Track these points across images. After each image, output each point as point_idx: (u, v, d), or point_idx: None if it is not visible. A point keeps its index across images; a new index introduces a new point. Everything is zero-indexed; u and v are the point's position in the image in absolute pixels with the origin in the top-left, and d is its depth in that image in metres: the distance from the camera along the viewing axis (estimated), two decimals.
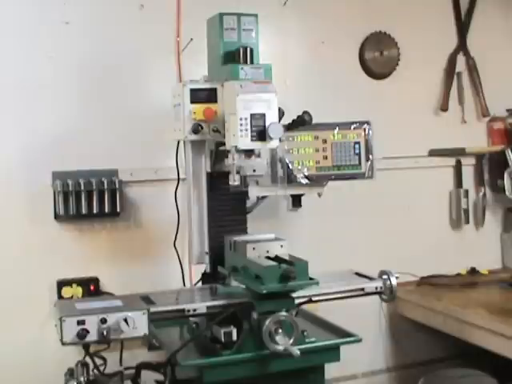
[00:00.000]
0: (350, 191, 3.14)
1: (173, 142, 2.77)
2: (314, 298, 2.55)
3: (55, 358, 2.71)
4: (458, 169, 3.81)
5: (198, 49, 2.85)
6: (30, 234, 2.93)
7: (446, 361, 3.57)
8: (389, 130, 3.30)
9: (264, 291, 2.25)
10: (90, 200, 2.91)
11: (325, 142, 2.72)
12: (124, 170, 3.04)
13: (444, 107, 3.75)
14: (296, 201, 2.75)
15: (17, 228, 2.91)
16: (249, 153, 2.38)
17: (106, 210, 2.94)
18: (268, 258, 2.43)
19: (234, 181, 2.40)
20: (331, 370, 2.58)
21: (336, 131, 2.73)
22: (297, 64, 3.39)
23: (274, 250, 2.46)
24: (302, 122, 2.53)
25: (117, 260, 3.06)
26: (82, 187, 2.90)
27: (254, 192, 2.68)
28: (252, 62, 2.46)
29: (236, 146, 2.32)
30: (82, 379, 2.28)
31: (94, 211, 2.92)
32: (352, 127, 2.75)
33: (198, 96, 2.47)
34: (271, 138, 2.31)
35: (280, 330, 2.28)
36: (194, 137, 2.49)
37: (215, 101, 2.47)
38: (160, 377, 2.42)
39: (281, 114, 2.44)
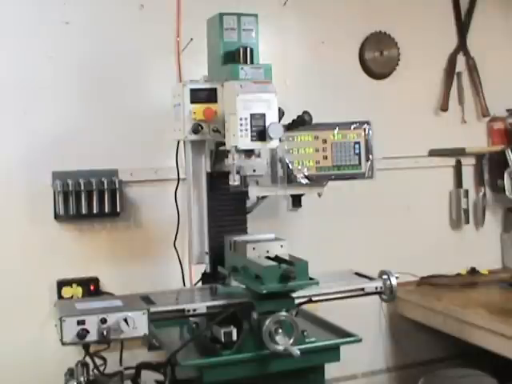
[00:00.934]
0: (349, 191, 3.14)
1: (173, 142, 2.77)
2: (314, 298, 2.55)
3: (55, 358, 2.71)
4: (457, 169, 3.81)
5: (198, 49, 2.85)
6: (29, 233, 2.93)
7: (446, 361, 3.57)
8: (389, 129, 3.30)
9: (264, 291, 2.25)
10: (90, 200, 2.91)
11: (325, 142, 2.72)
12: (124, 169, 3.04)
13: (444, 107, 3.75)
14: (296, 201, 2.75)
15: (17, 228, 2.91)
16: (249, 153, 2.38)
17: (106, 210, 2.94)
18: (268, 258, 2.43)
19: (234, 181, 2.40)
20: (331, 370, 2.57)
21: (336, 131, 2.73)
22: (297, 64, 3.39)
23: (273, 250, 2.46)
24: (302, 122, 2.53)
25: (117, 260, 3.06)
26: (82, 187, 2.90)
27: (253, 192, 2.68)
28: (252, 62, 2.46)
29: (236, 146, 2.32)
30: (81, 379, 2.28)
31: (94, 211, 2.92)
32: (352, 127, 2.75)
33: (197, 96, 2.47)
34: (271, 138, 2.31)
35: (280, 330, 2.28)
36: (194, 137, 2.48)
37: (215, 101, 2.47)
38: (160, 377, 2.42)
39: (281, 114, 2.44)
